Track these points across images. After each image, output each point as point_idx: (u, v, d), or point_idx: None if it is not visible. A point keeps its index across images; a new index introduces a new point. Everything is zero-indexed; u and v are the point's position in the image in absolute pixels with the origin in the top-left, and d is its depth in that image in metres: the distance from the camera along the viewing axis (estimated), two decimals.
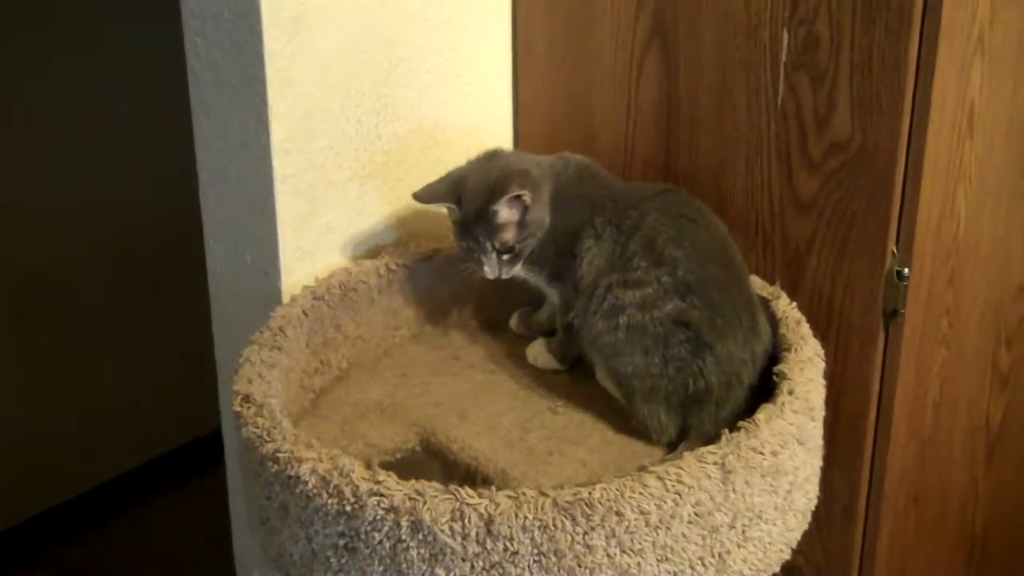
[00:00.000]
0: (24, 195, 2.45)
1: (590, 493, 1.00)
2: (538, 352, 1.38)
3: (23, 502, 2.71)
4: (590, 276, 1.26)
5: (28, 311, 2.56)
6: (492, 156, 1.34)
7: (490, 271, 1.30)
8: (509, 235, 1.28)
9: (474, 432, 1.25)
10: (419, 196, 1.33)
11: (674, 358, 1.21)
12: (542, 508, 0.99)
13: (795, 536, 1.15)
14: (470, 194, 1.29)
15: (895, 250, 1.29)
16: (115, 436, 2.78)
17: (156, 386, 2.78)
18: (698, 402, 1.21)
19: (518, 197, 1.26)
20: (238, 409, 1.15)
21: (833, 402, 1.29)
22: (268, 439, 1.09)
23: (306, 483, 1.04)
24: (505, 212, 1.27)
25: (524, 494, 1.00)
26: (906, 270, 1.30)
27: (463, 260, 1.33)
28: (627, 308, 1.22)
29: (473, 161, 1.34)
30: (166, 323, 2.74)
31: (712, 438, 1.10)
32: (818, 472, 1.20)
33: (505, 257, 1.29)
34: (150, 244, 2.66)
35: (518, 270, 1.31)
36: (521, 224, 1.28)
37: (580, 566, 1.00)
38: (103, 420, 2.75)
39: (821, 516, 1.42)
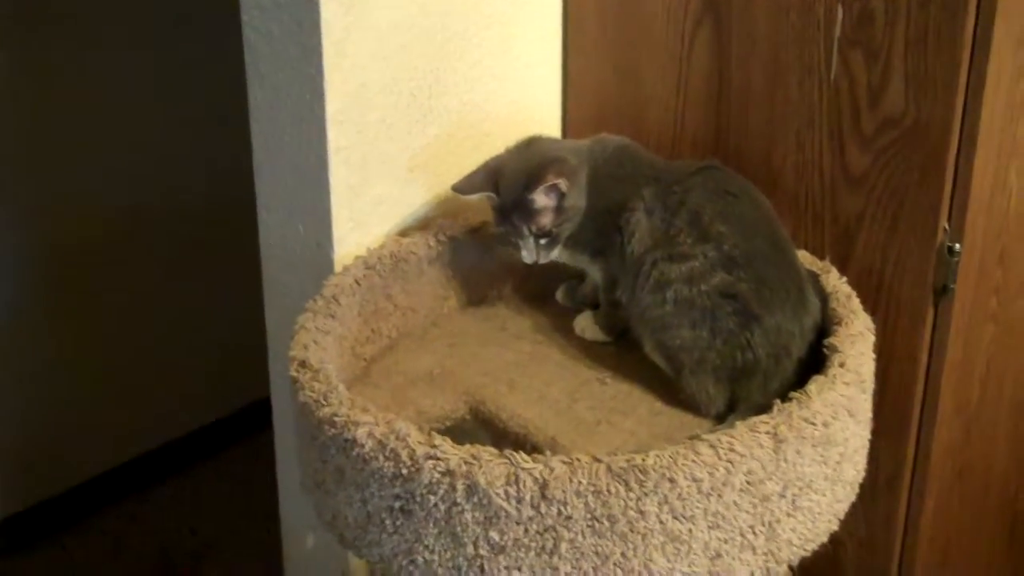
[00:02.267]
0: (75, 168, 2.49)
1: (644, 460, 1.01)
2: (586, 324, 1.39)
3: (65, 471, 2.75)
4: (639, 251, 1.27)
5: (73, 279, 2.60)
6: (530, 143, 1.36)
7: (528, 255, 1.33)
8: (546, 220, 1.30)
9: (523, 401, 1.27)
10: (459, 188, 1.35)
11: (722, 330, 1.22)
12: (596, 474, 1.00)
13: (843, 507, 1.16)
14: (508, 182, 1.31)
15: (947, 226, 1.30)
16: (154, 408, 2.82)
17: (197, 359, 2.81)
18: (747, 374, 1.22)
19: (554, 185, 1.28)
20: (295, 374, 1.17)
21: (881, 376, 1.29)
22: (325, 403, 1.11)
23: (363, 446, 1.06)
24: (542, 199, 1.29)
25: (579, 459, 1.01)
26: (957, 246, 1.30)
27: (503, 243, 1.35)
28: (674, 283, 1.23)
29: (511, 149, 1.37)
30: (211, 297, 2.77)
31: (762, 409, 1.11)
32: (867, 444, 1.21)
33: (543, 242, 1.32)
34: (200, 218, 2.69)
35: (556, 254, 1.34)
36: (558, 210, 1.30)
37: (632, 531, 1.01)
38: (143, 392, 2.79)
39: (865, 489, 1.42)
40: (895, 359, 1.37)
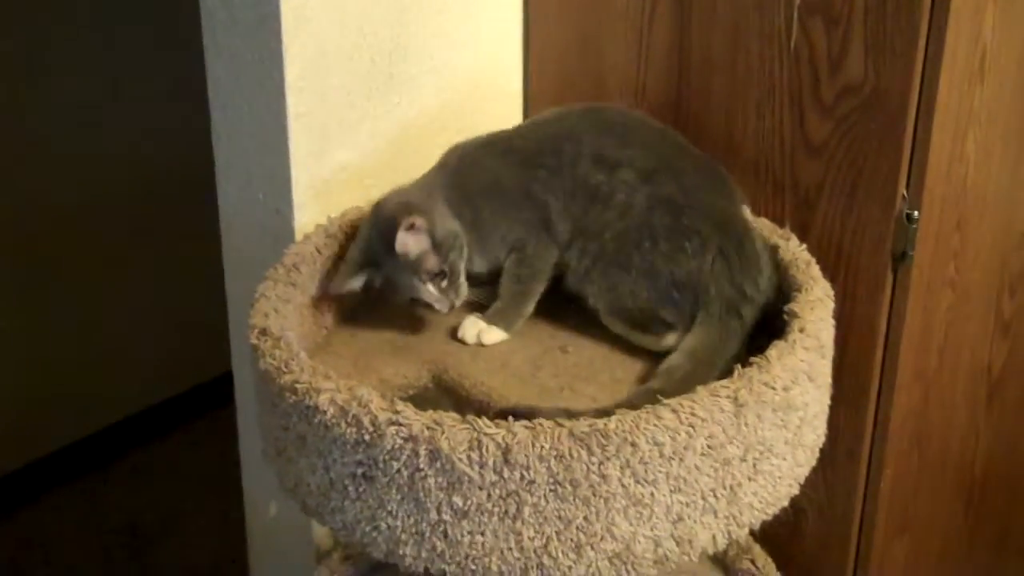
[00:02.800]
0: (46, 139, 2.47)
1: (605, 424, 1.01)
2: (480, 328, 1.31)
3: (28, 445, 2.74)
4: (565, 237, 1.29)
5: (33, 253, 2.58)
6: (375, 208, 1.30)
7: (440, 304, 1.26)
8: (432, 263, 1.25)
9: (486, 370, 1.26)
10: (334, 288, 1.29)
11: (662, 231, 1.24)
12: (558, 438, 1.00)
13: (804, 472, 1.17)
14: (377, 251, 1.26)
15: (905, 193, 1.30)
16: (117, 382, 2.80)
17: (159, 334, 2.79)
18: (702, 274, 1.24)
19: (412, 225, 1.23)
20: (255, 342, 1.16)
21: (840, 344, 1.30)
22: (286, 370, 1.10)
23: (324, 413, 1.05)
24: (412, 245, 1.24)
25: (541, 424, 1.01)
26: (916, 213, 1.31)
27: (416, 306, 1.29)
28: (609, 226, 1.26)
29: (363, 225, 1.30)
30: (173, 271, 2.75)
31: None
32: (827, 409, 1.22)
33: (444, 284, 1.26)
34: (162, 190, 2.67)
35: (464, 288, 1.28)
36: (436, 246, 1.25)
37: (595, 495, 1.02)
38: (105, 366, 2.77)
39: (826, 456, 1.43)
40: (854, 326, 1.38)
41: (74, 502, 2.76)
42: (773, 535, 1.49)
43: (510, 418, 1.03)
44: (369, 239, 1.28)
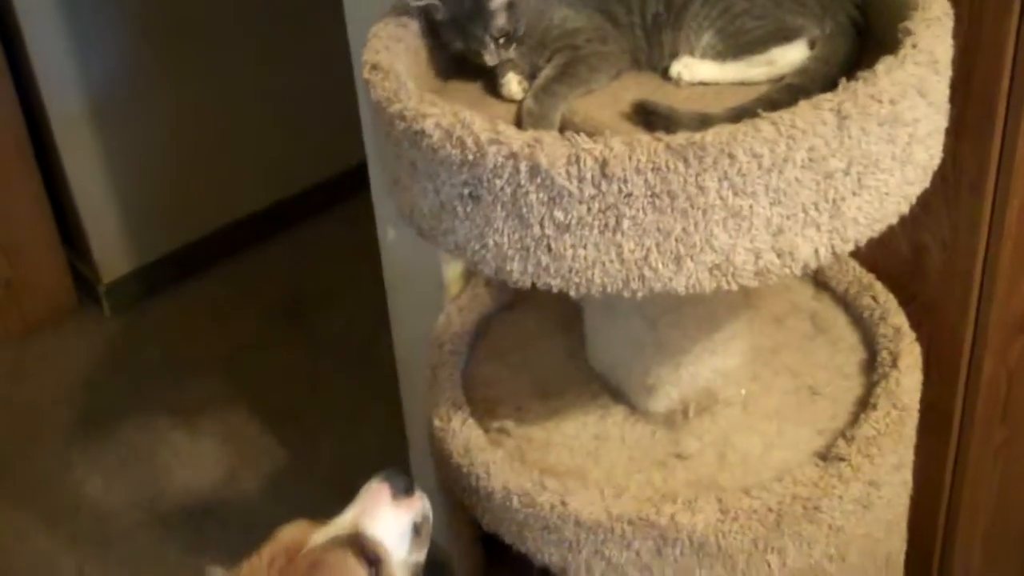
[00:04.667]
0: None
1: (702, 137, 1.02)
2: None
3: (195, 223, 2.91)
4: None
5: (192, 38, 2.68)
6: None
7: (491, 58, 1.26)
8: (502, 20, 1.24)
9: (597, 105, 1.27)
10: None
11: None
12: (655, 152, 1.02)
13: (914, 191, 1.16)
14: None
15: None
16: (278, 163, 2.93)
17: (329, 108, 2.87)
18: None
19: None
20: (367, 76, 1.20)
21: (965, 75, 1.27)
22: (395, 99, 1.14)
23: (431, 136, 1.09)
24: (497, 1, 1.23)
25: (637, 139, 1.03)
26: None
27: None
28: None
29: None
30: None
31: None
32: (941, 130, 1.19)
33: (502, 41, 1.25)
34: None
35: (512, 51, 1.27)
36: (510, 6, 1.24)
37: (693, 207, 1.04)
38: (266, 146, 2.89)
39: (949, 192, 1.43)
40: (980, 55, 1.34)
41: (238, 274, 2.93)
42: (895, 273, 1.50)
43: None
44: None
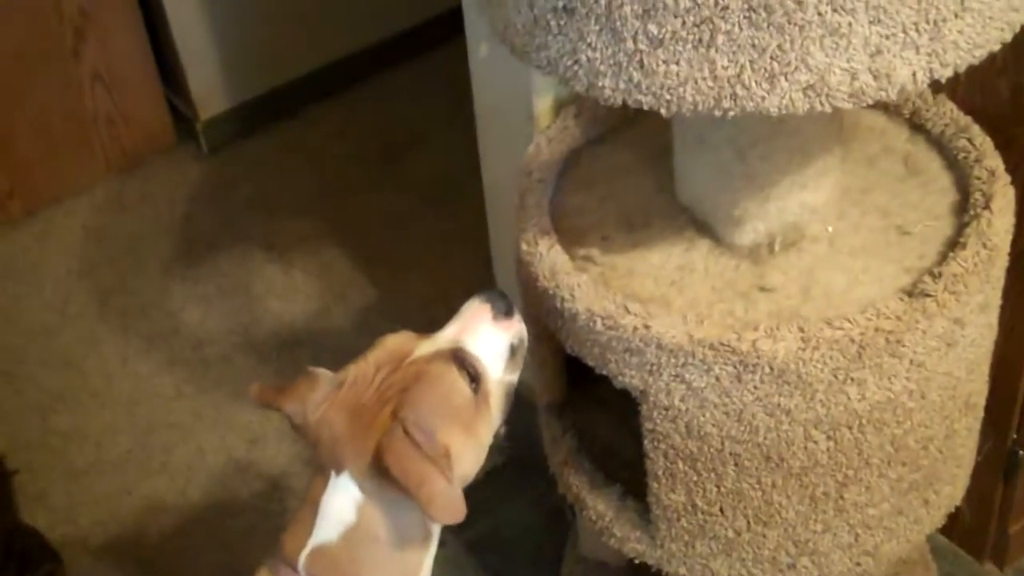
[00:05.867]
0: None
1: None
2: None
3: (288, 66, 2.93)
4: None
5: None
6: None
7: None
8: None
9: None
10: None
11: None
12: None
13: (1019, 18, 1.11)
14: None
15: None
16: (369, 8, 2.93)
17: None
18: None
19: None
20: None
21: None
22: None
23: None
24: None
25: None
26: None
27: None
28: None
29: None
30: None
31: None
32: None
33: None
34: None
35: None
36: None
37: (790, 23, 1.02)
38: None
39: None
40: None
41: (331, 116, 2.96)
42: (994, 115, 1.47)
43: None
44: None
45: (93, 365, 2.43)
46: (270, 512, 2.10)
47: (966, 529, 1.80)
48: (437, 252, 2.54)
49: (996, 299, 1.39)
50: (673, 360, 1.28)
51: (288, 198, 2.76)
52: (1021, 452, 1.70)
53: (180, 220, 2.76)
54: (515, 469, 1.95)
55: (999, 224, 1.36)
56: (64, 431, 2.31)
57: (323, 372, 1.25)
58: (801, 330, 1.26)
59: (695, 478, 1.34)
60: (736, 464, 1.31)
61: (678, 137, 1.43)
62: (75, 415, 2.34)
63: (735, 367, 1.26)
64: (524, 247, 1.42)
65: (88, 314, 2.54)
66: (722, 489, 1.34)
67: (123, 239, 2.73)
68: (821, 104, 1.07)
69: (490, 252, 2.18)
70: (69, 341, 2.49)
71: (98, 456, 2.26)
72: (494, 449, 1.28)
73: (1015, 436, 1.69)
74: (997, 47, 1.11)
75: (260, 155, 2.91)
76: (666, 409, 1.31)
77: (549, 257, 1.39)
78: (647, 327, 1.29)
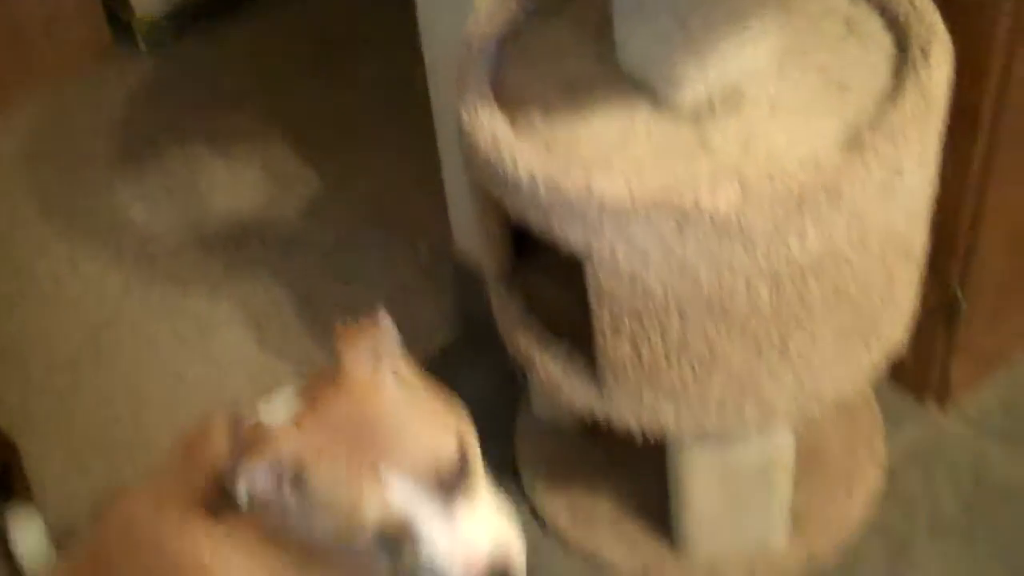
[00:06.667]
0: None
1: None
2: None
3: None
4: None
5: None
6: None
7: None
8: None
9: None
10: None
11: None
12: None
13: None
14: None
15: None
16: None
17: None
18: None
19: None
20: None
21: None
22: None
23: None
24: None
25: None
26: None
27: None
28: None
29: None
30: None
31: None
32: None
33: None
34: None
35: None
36: None
37: None
38: None
39: None
40: None
41: (270, 13, 2.91)
42: None
43: None
44: None
45: (43, 269, 2.41)
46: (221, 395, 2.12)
47: (909, 373, 1.85)
48: (385, 147, 2.52)
49: (933, 151, 1.40)
50: (615, 219, 1.29)
51: (230, 96, 2.72)
52: (961, 298, 1.74)
53: (121, 121, 2.71)
54: (467, 344, 2.00)
55: (937, 76, 1.37)
56: (13, 333, 2.30)
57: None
58: (741, 184, 1.27)
59: (641, 331, 1.36)
60: (681, 316, 1.33)
61: (617, 7, 1.42)
62: (26, 319, 2.32)
63: (677, 222, 1.27)
64: (465, 117, 1.42)
65: (34, 220, 2.51)
66: (667, 340, 1.36)
67: (65, 143, 2.69)
68: None
69: (436, 139, 2.17)
70: (17, 247, 2.46)
71: (50, 357, 2.25)
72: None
73: (957, 285, 1.73)
74: None
75: (200, 55, 2.86)
76: (611, 268, 1.33)
77: (490, 125, 1.39)
78: (589, 188, 1.29)
